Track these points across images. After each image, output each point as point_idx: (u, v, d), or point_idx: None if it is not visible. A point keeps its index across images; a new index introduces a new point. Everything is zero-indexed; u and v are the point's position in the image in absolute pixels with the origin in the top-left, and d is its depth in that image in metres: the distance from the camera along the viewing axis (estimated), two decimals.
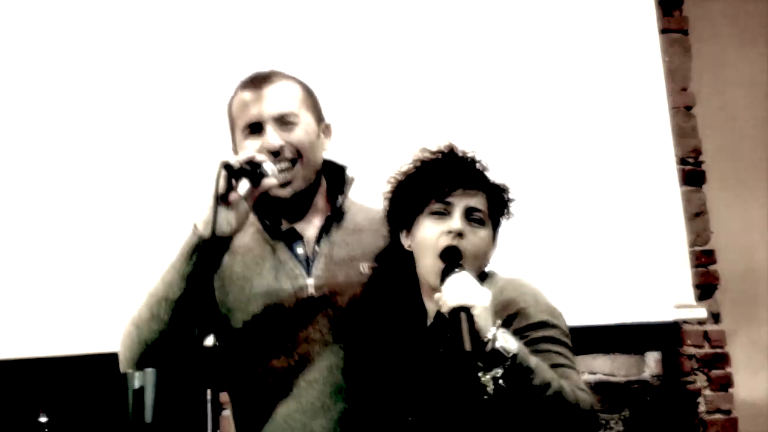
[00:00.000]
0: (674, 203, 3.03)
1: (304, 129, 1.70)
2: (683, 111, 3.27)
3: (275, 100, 1.70)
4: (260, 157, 1.58)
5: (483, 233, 1.58)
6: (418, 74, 3.00)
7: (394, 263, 1.69)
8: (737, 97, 3.38)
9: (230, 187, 1.54)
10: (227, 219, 1.55)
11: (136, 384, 1.31)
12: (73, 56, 3.00)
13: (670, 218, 3.01)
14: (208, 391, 2.67)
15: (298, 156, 1.68)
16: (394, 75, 3.00)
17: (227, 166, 1.53)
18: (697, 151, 3.27)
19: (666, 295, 2.96)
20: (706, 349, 3.12)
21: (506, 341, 1.34)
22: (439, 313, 1.49)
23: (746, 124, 3.37)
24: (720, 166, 3.29)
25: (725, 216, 3.25)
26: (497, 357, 1.33)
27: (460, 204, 1.57)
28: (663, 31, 3.26)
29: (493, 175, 1.65)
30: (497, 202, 1.63)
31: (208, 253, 1.54)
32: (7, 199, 2.92)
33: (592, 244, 2.95)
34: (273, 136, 1.67)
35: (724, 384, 3.10)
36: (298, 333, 1.65)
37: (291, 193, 1.69)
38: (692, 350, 3.11)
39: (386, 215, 1.69)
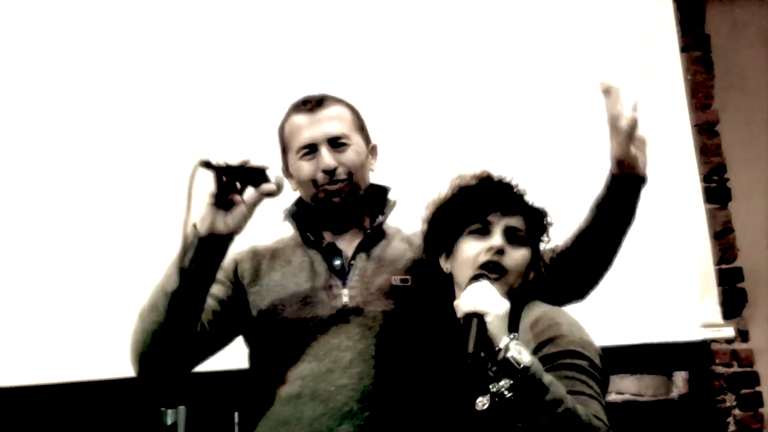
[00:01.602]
0: (699, 221, 3.02)
1: (355, 150, 1.80)
2: (707, 128, 3.26)
3: (328, 123, 1.79)
4: (260, 164, 1.62)
5: (523, 251, 1.60)
6: (451, 98, 3.05)
7: (429, 279, 1.73)
8: (762, 113, 3.37)
9: (226, 189, 1.59)
10: (224, 219, 1.60)
11: (169, 421, 1.38)
12: (78, 64, 3.07)
13: (696, 236, 3.01)
14: (236, 414, 2.69)
15: (349, 176, 1.77)
16: (428, 101, 3.05)
17: (207, 164, 1.56)
18: (722, 169, 3.25)
19: (693, 314, 2.95)
20: (735, 368, 3.09)
21: (519, 353, 1.35)
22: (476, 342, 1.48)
23: None
24: (746, 184, 3.28)
25: (752, 233, 3.23)
26: (508, 367, 1.34)
27: (500, 223, 1.60)
28: (684, 49, 3.26)
29: (532, 199, 1.68)
30: (536, 224, 1.65)
31: (203, 250, 1.59)
32: (27, 226, 2.96)
33: (618, 264, 2.94)
34: (328, 157, 1.76)
35: (754, 403, 3.06)
36: (331, 340, 1.71)
37: (340, 201, 1.78)
38: (721, 369, 3.08)
39: (424, 239, 1.72)
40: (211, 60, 3.09)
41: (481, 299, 1.42)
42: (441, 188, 1.71)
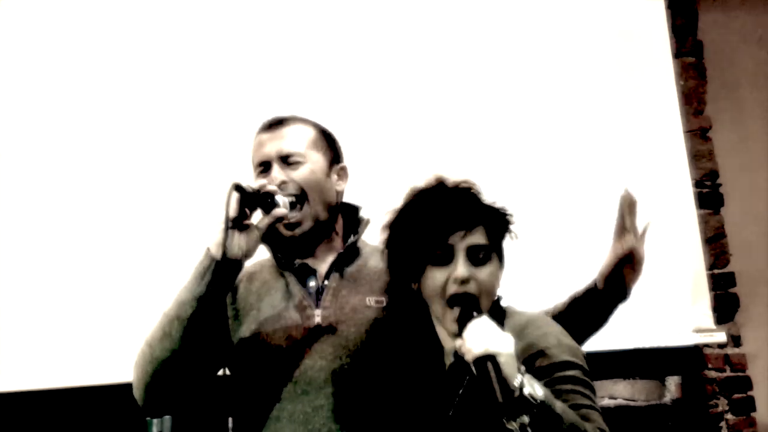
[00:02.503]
0: (691, 226, 3.04)
1: (309, 168, 1.79)
2: (699, 134, 3.28)
3: (282, 141, 1.80)
4: (272, 188, 1.66)
5: (489, 269, 1.58)
6: (428, 109, 3.04)
7: (404, 299, 1.72)
8: (755, 119, 3.39)
9: (243, 212, 1.61)
10: (238, 243, 1.62)
11: (155, 430, 1.39)
12: (78, 64, 3.07)
13: (688, 241, 3.02)
14: (230, 420, 2.69)
15: (302, 193, 1.76)
16: (403, 111, 3.05)
17: (238, 188, 1.59)
18: (714, 174, 3.27)
19: (685, 320, 2.96)
20: (728, 373, 3.10)
21: (533, 388, 1.35)
22: (458, 356, 1.48)
23: (765, 144, 3.38)
24: (739, 189, 3.29)
25: (745, 238, 3.24)
26: (524, 404, 1.34)
27: (461, 246, 1.56)
28: (677, 55, 3.29)
29: (488, 198, 1.62)
30: (498, 229, 1.61)
31: (219, 274, 1.61)
32: (28, 229, 2.97)
33: None
34: (277, 173, 1.77)
35: (747, 408, 3.07)
36: (305, 361, 1.71)
37: (300, 234, 1.77)
38: (713, 374, 3.10)
39: (388, 266, 1.70)
40: (211, 61, 3.10)
41: (489, 339, 1.39)
42: (395, 205, 1.65)
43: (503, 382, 1.34)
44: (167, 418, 1.42)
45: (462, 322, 1.47)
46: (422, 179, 1.65)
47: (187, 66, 3.08)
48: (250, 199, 1.62)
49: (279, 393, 1.70)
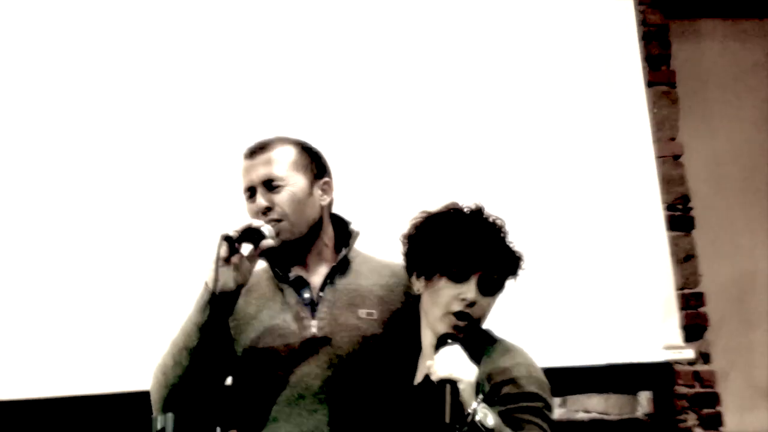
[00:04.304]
0: (661, 248, 3.13)
1: (290, 191, 1.92)
2: (671, 160, 3.41)
3: (263, 167, 1.93)
4: (257, 223, 1.82)
5: (492, 300, 1.73)
6: (422, 120, 3.13)
7: (394, 312, 1.88)
8: (727, 145, 3.53)
9: (232, 251, 1.77)
10: (232, 277, 1.78)
11: (159, 425, 1.54)
12: (77, 64, 3.11)
13: (658, 263, 3.12)
14: (218, 429, 2.79)
15: (285, 215, 1.90)
16: (397, 121, 3.13)
17: (227, 238, 1.76)
18: (686, 198, 3.39)
19: (656, 337, 3.05)
20: (697, 389, 3.22)
21: (485, 416, 1.48)
22: (426, 378, 1.63)
23: (735, 171, 3.52)
24: (710, 213, 3.42)
25: (716, 260, 3.37)
26: (475, 429, 1.47)
27: (477, 273, 1.69)
28: (650, 84, 3.41)
29: (511, 242, 1.76)
30: (510, 271, 1.75)
31: (218, 306, 1.77)
32: (30, 233, 3.04)
33: (586, 289, 3.06)
34: (260, 199, 1.91)
35: (715, 423, 3.18)
36: (302, 368, 1.85)
37: (279, 243, 1.88)
38: (683, 390, 3.21)
39: (405, 253, 1.81)
40: (210, 64, 3.14)
41: (454, 366, 1.54)
42: (433, 206, 1.79)
43: (458, 406, 1.48)
44: (170, 415, 1.56)
45: (439, 345, 1.62)
46: (464, 201, 1.80)
47: (185, 67, 3.11)
48: (239, 240, 1.78)
49: (277, 397, 1.84)
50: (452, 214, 1.76)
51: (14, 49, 3.14)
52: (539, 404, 1.62)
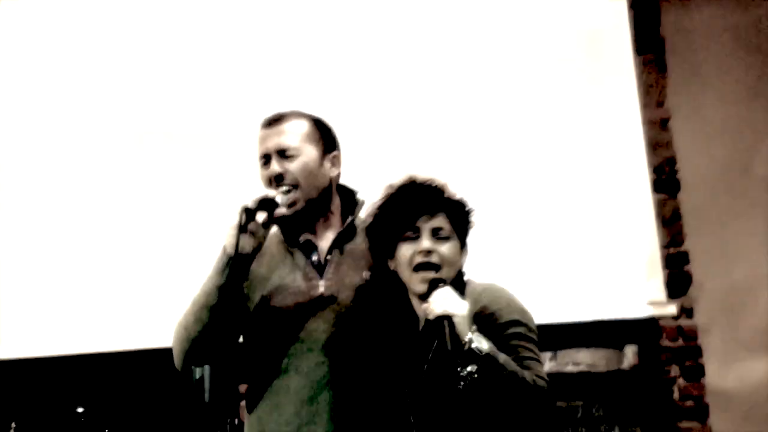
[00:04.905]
0: (647, 209, 3.29)
1: (302, 160, 2.06)
2: (659, 125, 3.52)
3: (279, 136, 2.07)
4: (271, 193, 1.97)
5: (449, 245, 1.89)
6: (415, 102, 3.29)
7: (389, 276, 2.01)
8: (715, 111, 3.62)
9: (249, 219, 1.91)
10: (249, 242, 1.93)
11: (197, 375, 1.73)
12: (76, 64, 3.29)
13: (644, 223, 3.27)
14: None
15: (297, 182, 2.04)
16: (400, 104, 3.30)
17: (246, 210, 1.91)
18: (672, 161, 3.50)
19: (641, 294, 3.22)
20: (681, 343, 3.35)
21: (480, 342, 1.66)
22: (427, 321, 1.80)
23: (723, 135, 3.60)
24: (696, 176, 3.51)
25: (701, 221, 3.45)
26: (473, 355, 1.65)
27: (426, 227, 1.88)
28: (639, 51, 3.51)
29: (453, 193, 1.94)
30: (458, 217, 1.92)
31: (235, 268, 1.92)
32: (51, 201, 3.18)
33: (575, 249, 3.23)
34: (274, 166, 2.05)
35: (697, 374, 3.33)
36: (310, 324, 2.01)
37: (292, 212, 2.04)
38: (667, 343, 3.35)
39: (369, 248, 2.01)
40: (212, 59, 3.32)
41: (448, 303, 1.72)
42: (375, 198, 1.97)
43: (455, 337, 1.66)
44: (207, 367, 1.76)
45: (430, 289, 1.79)
46: (397, 178, 1.97)
47: (188, 63, 3.28)
48: (256, 210, 1.93)
49: (288, 350, 2.00)
50: (389, 193, 1.95)
51: (17, 46, 3.32)
52: (521, 329, 1.81)
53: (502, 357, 1.69)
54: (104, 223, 3.15)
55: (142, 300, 3.04)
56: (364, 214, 2.08)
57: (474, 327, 1.70)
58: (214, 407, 1.74)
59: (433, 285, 1.80)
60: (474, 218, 1.96)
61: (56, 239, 3.15)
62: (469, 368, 1.65)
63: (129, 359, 2.99)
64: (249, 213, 1.92)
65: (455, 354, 1.66)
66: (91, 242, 3.14)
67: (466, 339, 1.66)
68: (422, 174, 1.96)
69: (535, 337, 1.84)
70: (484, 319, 1.79)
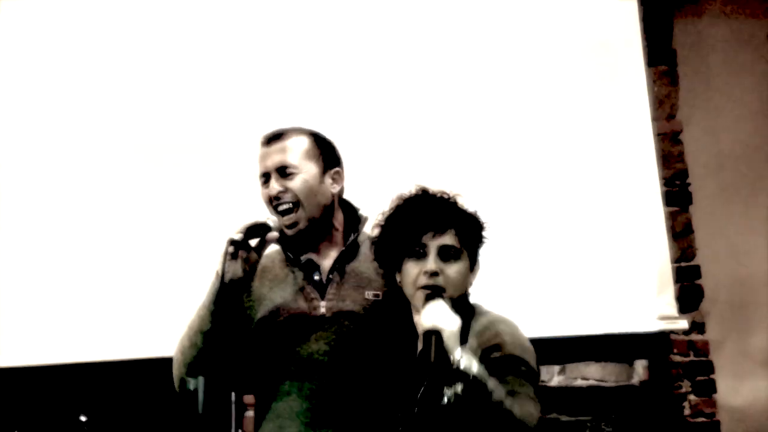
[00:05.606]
0: (658, 223, 3.22)
1: (303, 178, 2.04)
2: (670, 137, 3.49)
3: (277, 154, 2.05)
4: (261, 220, 1.96)
5: (458, 266, 1.83)
6: (424, 113, 3.26)
7: (394, 293, 1.98)
8: (727, 124, 3.59)
9: (239, 248, 1.91)
10: (241, 267, 1.93)
11: (192, 386, 1.71)
12: (76, 64, 3.29)
13: (655, 237, 3.21)
14: (233, 394, 2.94)
15: (297, 200, 2.02)
16: (398, 109, 3.26)
17: (233, 242, 1.91)
18: (684, 174, 3.47)
19: (652, 308, 3.15)
20: (692, 357, 3.31)
21: (470, 363, 1.60)
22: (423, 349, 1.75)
23: (735, 148, 3.57)
24: (709, 189, 3.49)
25: (712, 235, 3.43)
26: (460, 375, 1.59)
27: (433, 245, 1.82)
28: (650, 63, 3.48)
29: (466, 204, 1.88)
30: (469, 232, 1.86)
31: (225, 294, 1.92)
32: (54, 209, 3.18)
33: (586, 262, 3.17)
34: (274, 185, 2.03)
35: (708, 390, 3.29)
36: (312, 345, 1.99)
37: (294, 233, 2.03)
38: (678, 358, 3.31)
39: (375, 259, 1.96)
40: (213, 62, 3.29)
41: (438, 318, 1.67)
42: (384, 209, 1.93)
43: (442, 351, 1.60)
44: (201, 378, 1.74)
45: (426, 300, 1.75)
46: (408, 187, 1.93)
47: (188, 66, 3.27)
48: (246, 239, 1.92)
49: (290, 371, 1.98)
50: (398, 205, 1.90)
51: (17, 45, 3.30)
52: (522, 366, 1.75)
53: (492, 383, 1.63)
54: (109, 232, 3.14)
55: (146, 309, 3.03)
56: (371, 225, 2.04)
57: (464, 347, 1.65)
58: (207, 419, 1.71)
59: (429, 297, 1.76)
60: (486, 234, 1.90)
61: (59, 247, 3.15)
62: (455, 387, 1.59)
63: (133, 368, 2.97)
64: (237, 243, 1.91)
65: (439, 369, 1.60)
66: (94, 251, 3.13)
67: (456, 357, 1.61)
68: (433, 185, 1.90)
69: (535, 377, 1.79)
70: (487, 351, 1.74)
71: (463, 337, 1.73)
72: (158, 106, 3.27)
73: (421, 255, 1.82)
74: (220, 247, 1.93)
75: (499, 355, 1.74)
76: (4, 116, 3.32)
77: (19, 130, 3.28)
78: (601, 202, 3.20)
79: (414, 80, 3.28)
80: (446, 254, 1.82)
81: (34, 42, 3.32)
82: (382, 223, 1.91)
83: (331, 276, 2.04)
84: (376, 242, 1.93)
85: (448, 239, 1.83)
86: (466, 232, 1.86)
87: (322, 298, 2.02)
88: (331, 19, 3.33)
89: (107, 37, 3.32)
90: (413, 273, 1.82)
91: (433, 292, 1.76)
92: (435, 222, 1.83)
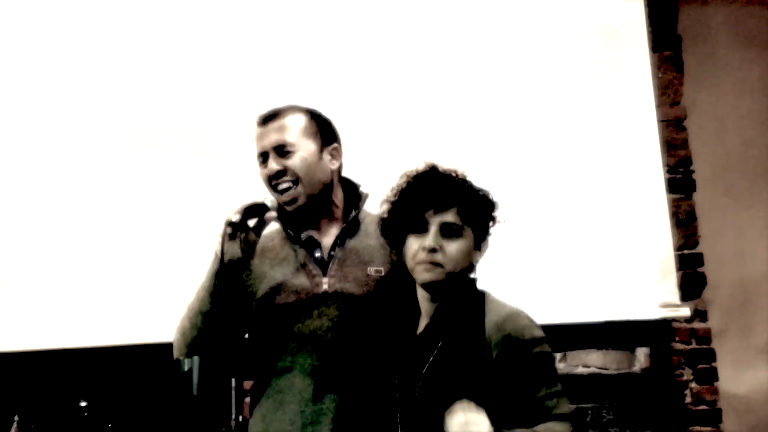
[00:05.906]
0: (661, 211, 3.23)
1: (301, 156, 2.02)
2: (674, 124, 3.47)
3: (274, 133, 2.03)
4: (258, 201, 1.94)
5: (458, 244, 1.81)
6: (425, 94, 3.26)
7: (396, 269, 1.97)
8: (731, 111, 3.58)
9: (237, 229, 1.90)
10: (239, 247, 1.92)
11: (186, 367, 1.70)
12: (75, 64, 3.29)
13: (658, 224, 3.22)
14: (233, 380, 2.94)
15: (297, 177, 2.01)
16: (406, 95, 3.27)
17: (231, 224, 1.90)
18: (688, 161, 3.45)
19: (654, 296, 3.17)
20: (693, 345, 3.31)
21: None
22: (432, 319, 1.78)
23: (739, 135, 3.56)
24: (712, 177, 3.47)
25: (715, 223, 3.41)
26: None
27: (435, 221, 1.81)
28: (655, 49, 3.46)
29: (473, 185, 1.85)
30: (474, 211, 1.83)
31: (224, 274, 1.92)
32: (53, 196, 3.18)
33: (588, 249, 3.18)
34: (272, 164, 2.02)
35: (710, 377, 3.28)
36: (314, 322, 1.98)
37: (294, 209, 2.02)
38: (680, 346, 3.30)
39: (381, 235, 1.95)
40: (210, 55, 3.29)
41: (468, 426, 1.59)
42: (391, 185, 1.91)
43: None
44: (196, 357, 1.72)
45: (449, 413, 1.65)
46: (417, 164, 1.90)
47: (186, 60, 3.27)
48: (243, 219, 1.91)
49: (291, 348, 1.98)
50: (405, 181, 1.88)
51: (16, 43, 3.29)
52: (546, 361, 1.75)
53: None
54: (108, 217, 3.14)
55: (145, 294, 3.02)
56: (372, 201, 2.05)
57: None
58: (202, 400, 1.71)
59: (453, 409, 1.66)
60: (498, 214, 1.87)
61: (59, 233, 3.14)
62: None
63: (133, 353, 2.97)
64: (235, 224, 1.90)
65: None
66: (94, 236, 3.13)
67: None
68: (444, 163, 1.88)
69: (556, 371, 1.79)
70: (508, 345, 1.73)
71: (478, 325, 1.74)
72: (153, 91, 3.26)
73: (423, 231, 1.82)
74: (218, 230, 1.92)
75: (525, 352, 1.73)
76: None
77: (14, 119, 3.27)
78: (604, 189, 3.21)
79: (418, 65, 3.27)
80: (448, 231, 1.81)
81: (27, 32, 3.32)
82: (391, 199, 1.90)
83: (332, 253, 2.04)
84: (381, 218, 1.92)
85: (450, 216, 1.81)
86: (471, 210, 1.83)
87: (324, 274, 2.01)
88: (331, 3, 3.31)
89: (101, 25, 3.32)
90: (414, 248, 1.82)
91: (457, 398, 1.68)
92: (438, 199, 1.82)
